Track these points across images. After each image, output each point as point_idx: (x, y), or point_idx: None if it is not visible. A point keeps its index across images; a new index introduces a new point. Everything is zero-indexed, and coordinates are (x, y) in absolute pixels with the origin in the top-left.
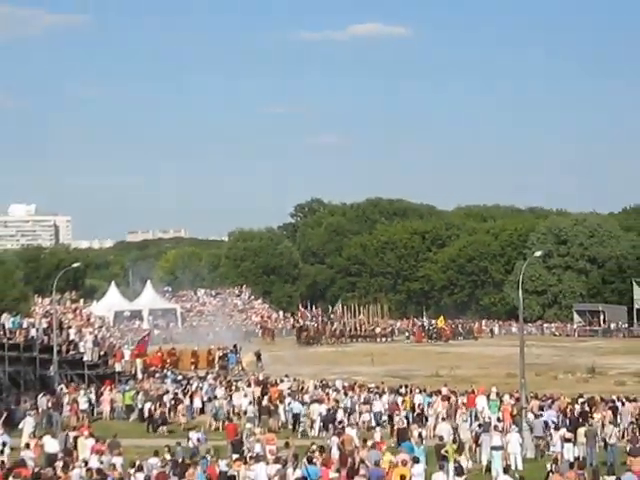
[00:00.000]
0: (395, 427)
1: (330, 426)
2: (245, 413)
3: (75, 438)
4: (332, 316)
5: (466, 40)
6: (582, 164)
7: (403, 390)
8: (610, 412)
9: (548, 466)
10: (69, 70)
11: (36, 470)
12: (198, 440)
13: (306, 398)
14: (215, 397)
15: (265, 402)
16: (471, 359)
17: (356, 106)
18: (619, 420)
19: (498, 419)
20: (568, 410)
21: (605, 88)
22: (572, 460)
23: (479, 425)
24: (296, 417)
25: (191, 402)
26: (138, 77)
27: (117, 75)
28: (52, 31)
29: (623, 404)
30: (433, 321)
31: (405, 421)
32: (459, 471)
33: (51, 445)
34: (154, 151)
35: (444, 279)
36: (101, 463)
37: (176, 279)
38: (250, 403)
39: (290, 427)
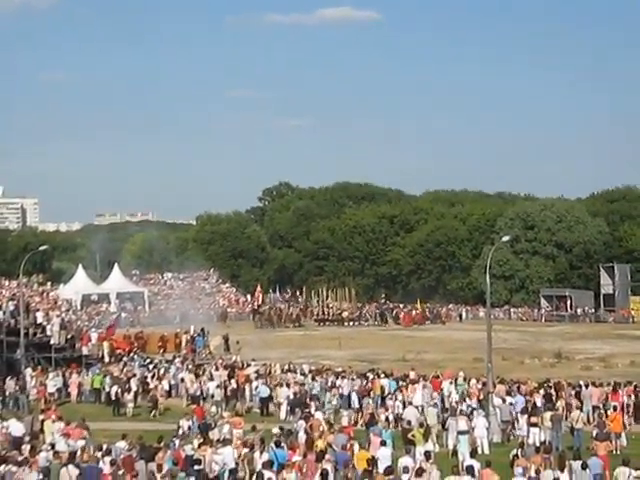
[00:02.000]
0: (364, 411)
1: (297, 410)
2: (212, 397)
3: (42, 421)
4: (299, 299)
5: (435, 25)
6: (550, 150)
7: (370, 374)
8: (575, 400)
9: (514, 450)
10: (34, 52)
11: (2, 453)
12: (189, 428)
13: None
14: (182, 380)
15: (232, 385)
16: (438, 343)
17: (325, 90)
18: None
19: (464, 400)
20: (534, 396)
21: (570, 77)
22: (538, 444)
23: (446, 409)
24: (264, 401)
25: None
26: (105, 59)
27: (84, 57)
28: (18, 12)
29: (587, 387)
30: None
31: (373, 405)
32: (427, 456)
33: (16, 428)
34: (122, 134)
35: (412, 263)
36: (68, 446)
37: (144, 262)
38: (218, 387)
39: (257, 410)
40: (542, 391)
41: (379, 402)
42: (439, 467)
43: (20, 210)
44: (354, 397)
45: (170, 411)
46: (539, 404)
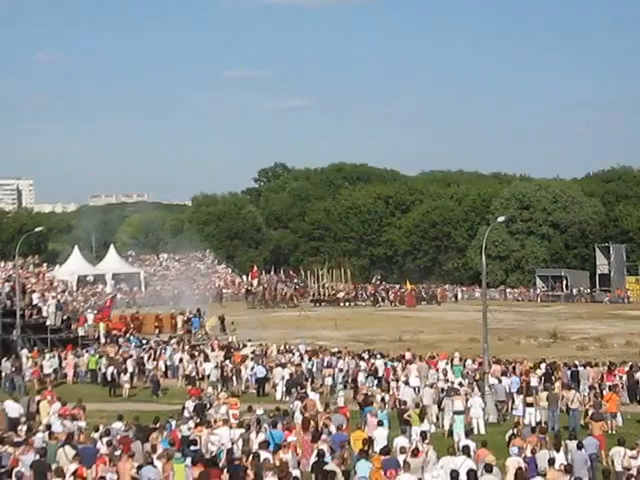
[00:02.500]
0: (359, 392)
1: (293, 390)
2: (208, 377)
3: (38, 402)
4: (294, 280)
5: (433, 5)
6: (546, 130)
7: (366, 355)
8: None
9: (510, 430)
10: (32, 32)
11: None
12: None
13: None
14: (180, 360)
15: (229, 366)
16: (434, 324)
17: (321, 71)
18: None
19: (460, 384)
20: (530, 376)
21: (566, 58)
22: (534, 424)
23: (442, 389)
24: (260, 381)
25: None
26: (101, 42)
27: (80, 39)
28: None
29: (585, 367)
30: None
31: (370, 385)
32: (423, 436)
33: (13, 409)
34: (118, 115)
35: (407, 244)
36: (64, 427)
37: (139, 243)
38: (215, 367)
39: (253, 391)
40: (540, 371)
41: (375, 382)
42: (435, 447)
43: (16, 191)
44: (361, 376)
45: (167, 392)
46: (534, 384)
